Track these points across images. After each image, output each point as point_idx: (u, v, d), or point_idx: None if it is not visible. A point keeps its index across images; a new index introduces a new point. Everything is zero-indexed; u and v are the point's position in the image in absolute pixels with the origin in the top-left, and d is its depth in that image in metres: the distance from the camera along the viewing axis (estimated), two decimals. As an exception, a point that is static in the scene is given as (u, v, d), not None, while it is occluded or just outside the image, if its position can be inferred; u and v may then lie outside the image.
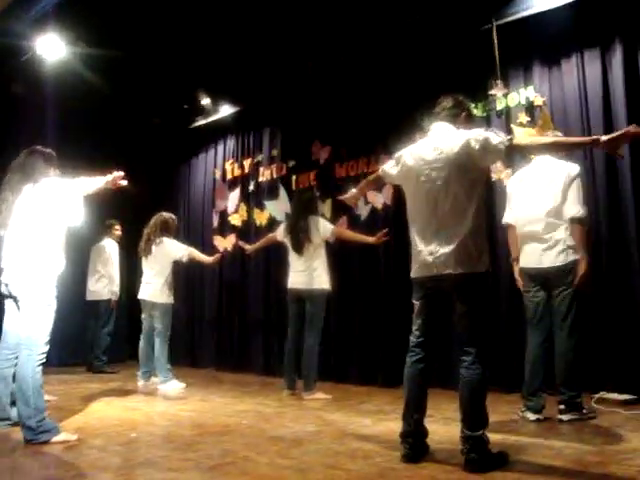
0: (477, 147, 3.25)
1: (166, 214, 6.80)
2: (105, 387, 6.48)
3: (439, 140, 3.43)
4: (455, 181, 3.30)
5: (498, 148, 3.23)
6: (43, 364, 3.95)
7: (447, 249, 3.29)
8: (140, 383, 6.57)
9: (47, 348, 3.96)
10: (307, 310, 5.86)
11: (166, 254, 6.55)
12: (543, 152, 4.26)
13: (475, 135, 3.30)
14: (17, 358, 3.96)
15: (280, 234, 6.18)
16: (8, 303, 4.11)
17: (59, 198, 4.05)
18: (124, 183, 4.18)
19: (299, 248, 5.87)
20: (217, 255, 7.13)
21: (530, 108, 5.86)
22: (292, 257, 5.99)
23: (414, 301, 3.52)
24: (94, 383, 6.84)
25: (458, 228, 3.28)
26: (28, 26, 6.63)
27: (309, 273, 5.84)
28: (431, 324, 3.46)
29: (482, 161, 3.33)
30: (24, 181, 4.11)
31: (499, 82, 5.98)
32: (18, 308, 4.00)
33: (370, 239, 5.79)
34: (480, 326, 3.31)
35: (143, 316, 6.65)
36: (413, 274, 3.51)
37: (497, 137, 3.26)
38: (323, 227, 5.92)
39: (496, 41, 5.85)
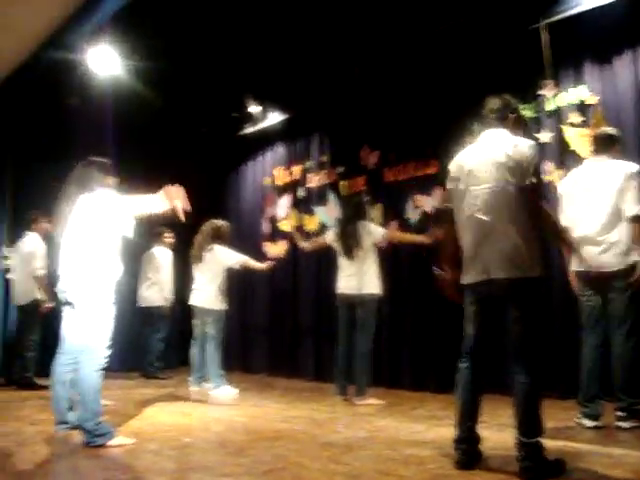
0: (519, 159, 3.25)
1: (218, 221, 6.84)
2: (158, 393, 6.58)
3: (488, 144, 3.40)
4: (504, 185, 3.27)
5: (529, 175, 3.26)
6: (103, 369, 4.05)
7: (498, 254, 3.25)
8: (193, 389, 6.63)
9: (106, 353, 4.06)
10: (358, 315, 5.85)
11: (218, 261, 6.59)
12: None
13: (522, 147, 3.29)
14: (76, 363, 4.07)
15: (329, 238, 6.20)
16: (66, 310, 4.21)
17: (112, 211, 4.14)
18: (182, 206, 3.98)
19: (349, 253, 5.88)
20: (269, 262, 7.16)
21: (582, 107, 5.74)
22: (342, 262, 6.00)
23: (465, 307, 3.48)
24: (148, 388, 6.96)
25: (509, 232, 3.24)
26: (83, 40, 6.82)
27: (359, 278, 5.83)
28: (483, 330, 3.41)
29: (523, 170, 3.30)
30: (80, 191, 4.21)
31: (549, 82, 5.89)
32: (75, 315, 4.10)
33: (420, 238, 5.81)
34: (533, 332, 3.25)
35: (195, 322, 6.70)
36: (465, 280, 3.46)
37: (533, 167, 3.28)
38: (374, 231, 5.93)
39: (545, 40, 5.76)
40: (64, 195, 4.27)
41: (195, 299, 6.62)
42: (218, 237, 6.66)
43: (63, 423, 4.27)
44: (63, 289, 4.14)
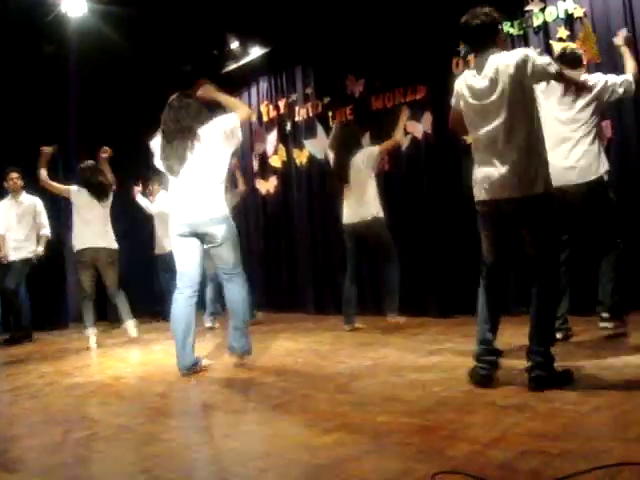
0: (528, 68, 3.16)
1: None
2: (164, 336, 6.58)
3: (489, 64, 3.29)
4: (506, 102, 3.21)
5: (548, 70, 3.18)
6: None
7: (501, 171, 3.23)
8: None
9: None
10: (375, 243, 5.87)
11: None
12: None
13: (523, 55, 3.19)
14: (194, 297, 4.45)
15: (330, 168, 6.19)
16: (188, 243, 4.38)
17: (223, 133, 4.36)
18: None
19: (346, 182, 5.85)
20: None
21: (569, 21, 5.60)
22: (345, 193, 5.96)
23: (479, 224, 3.48)
24: (152, 334, 6.99)
25: (510, 149, 3.21)
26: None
27: (364, 205, 5.79)
28: (500, 249, 3.42)
29: (531, 80, 3.23)
30: (196, 126, 4.34)
31: (536, -5, 5.74)
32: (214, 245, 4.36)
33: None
34: (549, 251, 3.26)
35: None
36: (476, 197, 3.44)
37: (545, 59, 3.22)
38: (369, 155, 5.87)
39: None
40: (181, 132, 4.33)
41: None
42: None
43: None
44: (190, 222, 4.29)
